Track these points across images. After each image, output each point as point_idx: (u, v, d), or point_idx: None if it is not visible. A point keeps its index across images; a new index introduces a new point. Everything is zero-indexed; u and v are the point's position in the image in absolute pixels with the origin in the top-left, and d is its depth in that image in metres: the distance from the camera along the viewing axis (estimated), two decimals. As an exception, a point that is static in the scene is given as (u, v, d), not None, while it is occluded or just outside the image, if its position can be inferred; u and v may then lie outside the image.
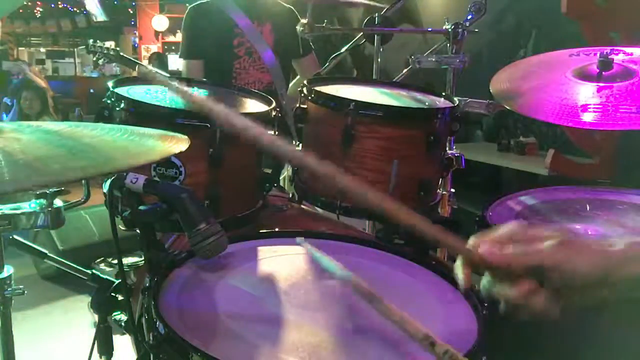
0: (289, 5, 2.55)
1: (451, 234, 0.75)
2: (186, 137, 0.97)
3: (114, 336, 1.31)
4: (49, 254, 1.42)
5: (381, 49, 2.28)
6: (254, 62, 2.45)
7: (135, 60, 3.66)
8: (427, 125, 1.36)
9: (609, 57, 1.42)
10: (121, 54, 3.49)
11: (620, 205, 1.44)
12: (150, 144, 0.93)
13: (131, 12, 11.92)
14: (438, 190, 1.53)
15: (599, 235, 1.19)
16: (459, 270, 0.74)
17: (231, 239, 1.06)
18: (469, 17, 1.90)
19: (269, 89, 2.45)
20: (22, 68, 7.30)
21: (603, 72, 1.42)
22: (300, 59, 2.62)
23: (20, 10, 11.71)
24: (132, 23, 11.92)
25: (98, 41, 3.44)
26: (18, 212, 1.14)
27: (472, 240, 0.74)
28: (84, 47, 3.46)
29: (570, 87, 1.42)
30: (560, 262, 0.66)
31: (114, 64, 3.59)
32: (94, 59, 3.47)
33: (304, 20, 2.01)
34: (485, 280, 0.72)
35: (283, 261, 1.12)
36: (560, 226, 0.74)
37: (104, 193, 1.13)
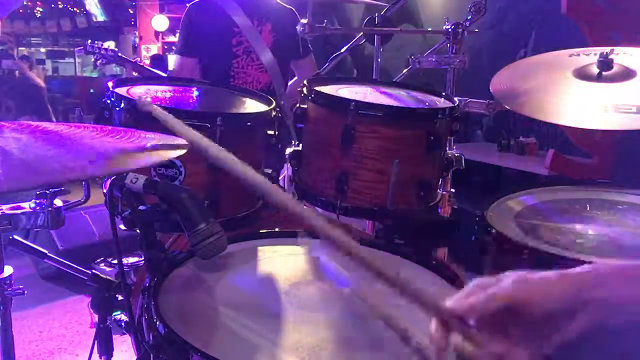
0: (289, 6, 2.55)
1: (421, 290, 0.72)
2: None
3: (114, 336, 1.31)
4: (49, 254, 1.42)
5: (381, 49, 2.28)
6: (252, 61, 2.45)
7: (133, 61, 3.65)
8: (427, 125, 1.36)
9: (609, 57, 1.42)
10: (119, 54, 3.48)
11: (620, 205, 1.44)
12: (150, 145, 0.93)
13: (131, 12, 11.92)
14: (438, 190, 1.53)
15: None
16: (434, 331, 0.71)
17: (231, 239, 1.06)
18: (469, 17, 1.90)
19: (268, 89, 2.45)
20: (20, 66, 7.30)
21: (603, 72, 1.42)
22: (298, 61, 2.62)
23: (20, 10, 11.71)
24: (132, 23, 11.91)
25: (96, 41, 3.43)
26: (18, 212, 1.14)
27: (445, 302, 0.70)
28: (81, 47, 3.44)
29: (570, 87, 1.42)
30: (527, 294, 0.63)
31: (113, 64, 3.58)
32: (92, 59, 3.46)
33: (304, 20, 2.01)
34: (455, 340, 0.67)
35: (283, 261, 1.12)
36: (517, 272, 0.69)
37: (104, 193, 1.13)
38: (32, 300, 3.31)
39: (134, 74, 3.45)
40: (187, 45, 2.47)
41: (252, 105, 1.48)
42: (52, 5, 12.44)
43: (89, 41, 3.42)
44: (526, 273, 0.65)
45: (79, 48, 3.64)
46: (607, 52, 1.42)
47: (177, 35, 2.61)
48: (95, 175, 0.81)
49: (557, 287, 0.63)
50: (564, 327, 0.61)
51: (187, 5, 2.49)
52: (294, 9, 2.53)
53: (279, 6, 2.54)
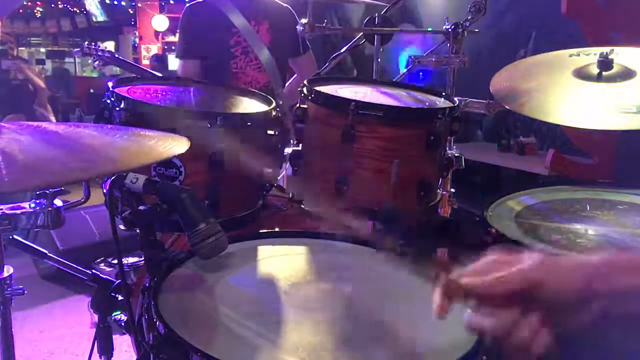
0: (286, 5, 2.55)
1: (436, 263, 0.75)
2: (186, 137, 0.97)
3: (114, 336, 1.31)
4: (49, 254, 1.42)
5: (381, 49, 2.28)
6: (251, 61, 2.45)
7: (131, 62, 3.62)
8: (427, 125, 1.36)
9: (609, 57, 1.42)
10: (116, 55, 3.46)
11: (620, 205, 1.44)
12: (150, 145, 0.93)
13: (131, 12, 11.92)
14: (438, 190, 1.53)
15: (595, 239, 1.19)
16: (436, 298, 0.72)
17: (231, 239, 1.06)
18: (469, 17, 1.90)
19: (266, 88, 2.45)
20: (20, 66, 7.29)
21: (603, 72, 1.42)
22: (297, 58, 2.62)
23: (20, 10, 11.71)
24: (132, 23, 11.90)
25: (93, 43, 3.41)
26: (18, 212, 1.14)
27: (454, 274, 0.73)
28: (78, 49, 3.41)
29: (570, 87, 1.42)
30: (541, 279, 0.65)
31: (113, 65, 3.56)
32: (89, 61, 3.45)
33: (304, 20, 2.01)
34: (467, 313, 0.71)
35: (283, 261, 1.12)
36: (538, 250, 0.72)
37: (104, 193, 1.13)
38: (32, 300, 3.31)
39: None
40: (187, 47, 2.47)
41: (252, 105, 1.48)
42: (52, 5, 12.45)
43: (86, 42, 3.40)
44: (543, 256, 0.67)
45: (76, 50, 3.59)
46: (607, 52, 1.43)
47: (177, 37, 2.61)
48: (95, 175, 0.81)
49: (571, 278, 0.66)
50: (575, 313, 0.65)
51: (186, 5, 2.49)
52: (290, 8, 2.54)
53: (275, 5, 2.54)
